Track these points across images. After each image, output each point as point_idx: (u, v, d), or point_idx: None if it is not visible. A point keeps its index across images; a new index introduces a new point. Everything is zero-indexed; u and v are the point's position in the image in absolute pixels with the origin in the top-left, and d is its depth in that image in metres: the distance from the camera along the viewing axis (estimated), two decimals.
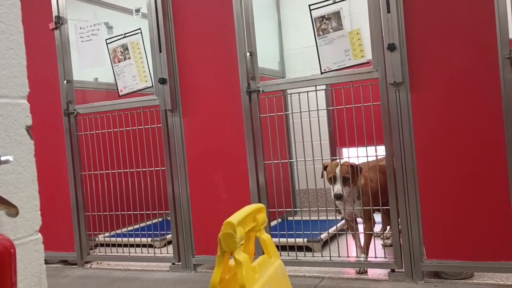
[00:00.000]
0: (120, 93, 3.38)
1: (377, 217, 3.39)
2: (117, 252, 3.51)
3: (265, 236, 1.76)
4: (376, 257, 2.77)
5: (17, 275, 0.84)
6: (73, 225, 3.56)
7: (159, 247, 3.67)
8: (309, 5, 2.75)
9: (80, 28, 3.47)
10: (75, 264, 3.60)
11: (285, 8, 4.62)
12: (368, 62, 2.71)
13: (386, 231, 3.37)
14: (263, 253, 1.76)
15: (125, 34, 3.32)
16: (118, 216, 3.60)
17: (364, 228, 2.89)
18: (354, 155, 2.98)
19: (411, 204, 2.60)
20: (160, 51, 3.15)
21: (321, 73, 2.78)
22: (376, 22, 2.61)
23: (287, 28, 4.61)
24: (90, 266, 3.56)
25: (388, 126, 2.64)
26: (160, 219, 4.17)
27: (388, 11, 2.56)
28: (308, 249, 3.19)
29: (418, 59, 2.56)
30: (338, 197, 2.77)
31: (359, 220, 3.02)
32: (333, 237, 3.55)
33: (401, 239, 2.65)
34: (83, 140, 3.58)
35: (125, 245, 3.56)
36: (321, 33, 2.76)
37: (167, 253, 3.36)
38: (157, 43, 3.15)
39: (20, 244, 0.96)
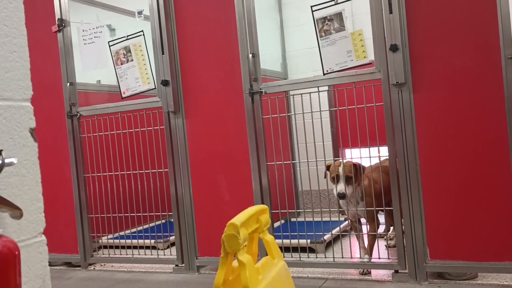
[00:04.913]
0: (123, 95, 3.39)
1: (382, 217, 3.39)
2: (121, 254, 3.52)
3: (268, 237, 1.76)
4: (379, 258, 2.77)
5: (21, 277, 0.84)
6: (76, 227, 3.57)
7: (162, 249, 3.68)
8: (311, 6, 2.76)
9: (83, 30, 3.48)
10: (79, 266, 3.60)
11: (287, 9, 4.62)
12: (370, 63, 2.71)
13: (390, 232, 3.37)
14: (267, 254, 1.76)
15: (127, 36, 3.33)
16: (122, 218, 3.60)
17: (368, 229, 2.88)
18: (357, 156, 2.98)
19: (414, 204, 2.59)
20: (163, 53, 3.16)
21: (324, 74, 2.78)
22: (378, 23, 2.61)
23: (289, 29, 4.61)
24: (94, 268, 3.56)
25: (390, 126, 2.64)
26: (163, 221, 4.17)
27: (390, 12, 2.56)
28: (312, 250, 3.19)
29: (421, 60, 2.56)
30: (341, 196, 2.77)
31: (362, 221, 3.02)
32: (336, 238, 3.54)
33: (404, 240, 2.65)
34: (86, 142, 3.58)
35: (129, 247, 3.56)
36: (323, 34, 2.76)
37: (171, 254, 3.36)
38: (159, 45, 3.16)
39: (24, 246, 0.97)
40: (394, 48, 2.55)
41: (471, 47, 2.45)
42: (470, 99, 2.47)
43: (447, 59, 2.50)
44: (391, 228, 3.35)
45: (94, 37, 3.45)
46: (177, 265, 3.27)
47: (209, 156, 3.14)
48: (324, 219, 3.87)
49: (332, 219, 3.84)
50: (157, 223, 4.05)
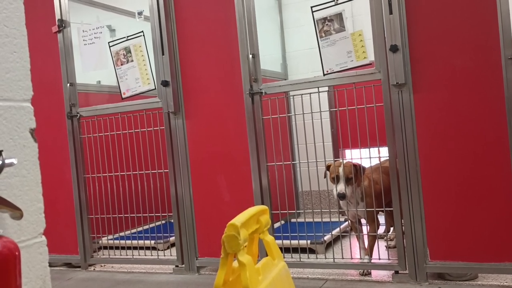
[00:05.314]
0: (123, 96, 3.39)
1: (382, 218, 3.39)
2: (121, 255, 3.52)
3: (268, 238, 1.76)
4: (379, 259, 2.77)
5: (21, 278, 0.84)
6: (76, 227, 3.57)
7: (162, 250, 3.67)
8: (311, 7, 2.76)
9: (83, 31, 3.48)
10: (79, 266, 3.60)
11: (287, 10, 4.62)
12: (370, 64, 2.71)
13: (390, 233, 3.37)
14: (267, 255, 1.76)
15: (127, 37, 3.33)
16: (122, 218, 3.60)
17: (368, 230, 2.88)
18: (357, 156, 2.98)
19: (414, 205, 2.59)
20: (163, 54, 3.16)
21: (324, 74, 2.78)
22: (378, 24, 2.61)
23: (289, 30, 4.61)
24: (94, 269, 3.56)
25: (391, 127, 2.64)
26: (163, 222, 4.17)
27: (390, 12, 2.56)
28: (312, 251, 3.19)
29: (421, 60, 2.56)
30: (341, 196, 2.77)
31: (363, 221, 3.01)
32: (336, 239, 3.54)
33: (404, 241, 2.65)
34: (86, 143, 3.58)
35: (129, 248, 3.56)
36: (323, 34, 2.76)
37: (171, 255, 3.36)
38: (159, 46, 3.16)
39: (24, 247, 0.97)
40: (394, 49, 2.55)
41: (471, 47, 2.45)
42: (470, 99, 2.47)
43: (447, 59, 2.50)
44: (391, 228, 3.35)
45: (94, 37, 3.45)
46: (177, 266, 3.27)
47: (209, 156, 3.14)
48: (324, 219, 3.86)
49: (332, 219, 3.84)
50: (157, 223, 4.05)
